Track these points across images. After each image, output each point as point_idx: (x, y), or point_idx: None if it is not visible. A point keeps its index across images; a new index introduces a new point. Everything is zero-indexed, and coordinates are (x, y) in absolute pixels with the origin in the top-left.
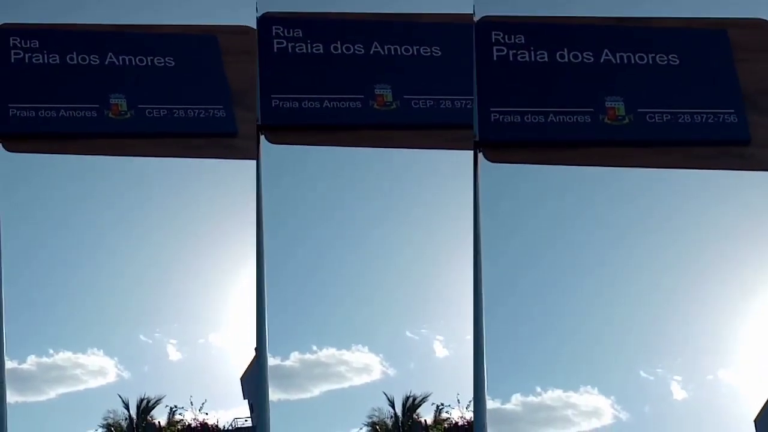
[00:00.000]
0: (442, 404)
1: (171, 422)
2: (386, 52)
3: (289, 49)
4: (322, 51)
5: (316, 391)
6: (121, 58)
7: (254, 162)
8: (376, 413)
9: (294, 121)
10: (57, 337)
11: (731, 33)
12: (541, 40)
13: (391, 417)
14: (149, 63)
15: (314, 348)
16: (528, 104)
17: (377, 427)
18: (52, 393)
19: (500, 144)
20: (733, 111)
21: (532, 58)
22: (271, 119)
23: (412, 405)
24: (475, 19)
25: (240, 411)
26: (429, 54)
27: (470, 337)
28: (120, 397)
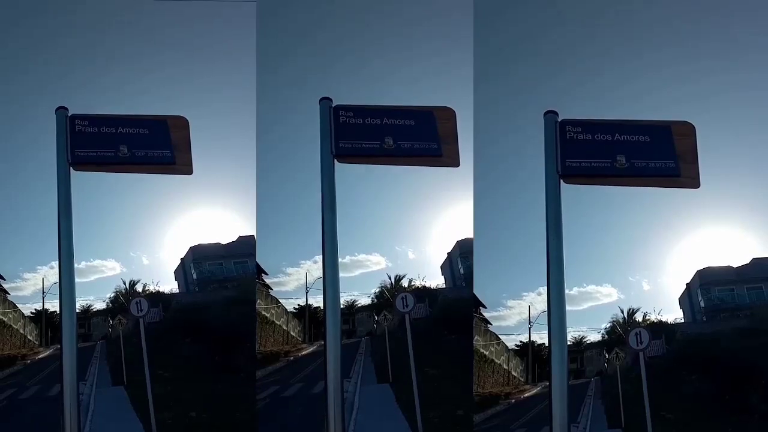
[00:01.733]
0: None
1: (144, 291)
2: None
3: None
4: None
5: None
6: None
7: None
8: None
9: None
10: (94, 250)
11: (673, 128)
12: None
13: None
14: None
15: None
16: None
17: None
18: (93, 278)
19: None
20: (672, 161)
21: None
22: None
23: None
24: None
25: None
26: None
27: None
28: (122, 280)
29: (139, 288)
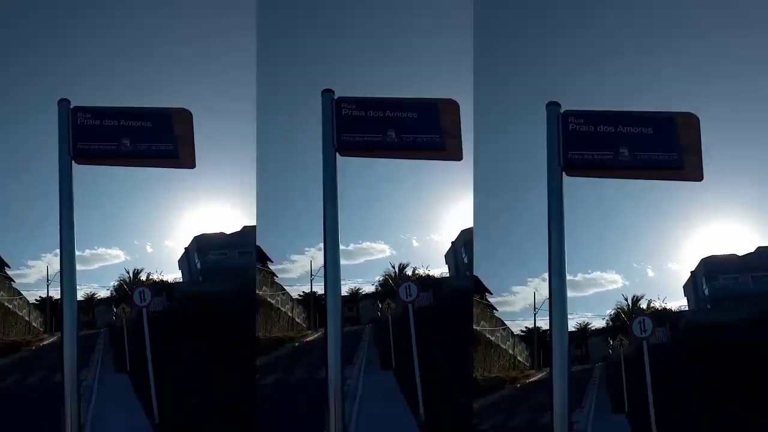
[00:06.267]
0: None
1: (148, 279)
2: None
3: None
4: None
5: None
6: None
7: None
8: None
9: None
10: (98, 238)
11: (676, 120)
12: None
13: None
14: None
15: None
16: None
17: None
18: (97, 266)
19: None
20: (675, 153)
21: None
22: None
23: None
24: None
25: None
26: None
27: None
28: (125, 269)
29: (143, 277)
